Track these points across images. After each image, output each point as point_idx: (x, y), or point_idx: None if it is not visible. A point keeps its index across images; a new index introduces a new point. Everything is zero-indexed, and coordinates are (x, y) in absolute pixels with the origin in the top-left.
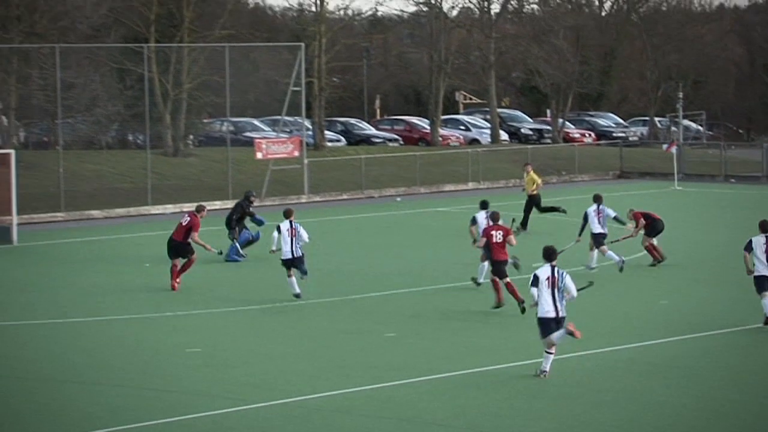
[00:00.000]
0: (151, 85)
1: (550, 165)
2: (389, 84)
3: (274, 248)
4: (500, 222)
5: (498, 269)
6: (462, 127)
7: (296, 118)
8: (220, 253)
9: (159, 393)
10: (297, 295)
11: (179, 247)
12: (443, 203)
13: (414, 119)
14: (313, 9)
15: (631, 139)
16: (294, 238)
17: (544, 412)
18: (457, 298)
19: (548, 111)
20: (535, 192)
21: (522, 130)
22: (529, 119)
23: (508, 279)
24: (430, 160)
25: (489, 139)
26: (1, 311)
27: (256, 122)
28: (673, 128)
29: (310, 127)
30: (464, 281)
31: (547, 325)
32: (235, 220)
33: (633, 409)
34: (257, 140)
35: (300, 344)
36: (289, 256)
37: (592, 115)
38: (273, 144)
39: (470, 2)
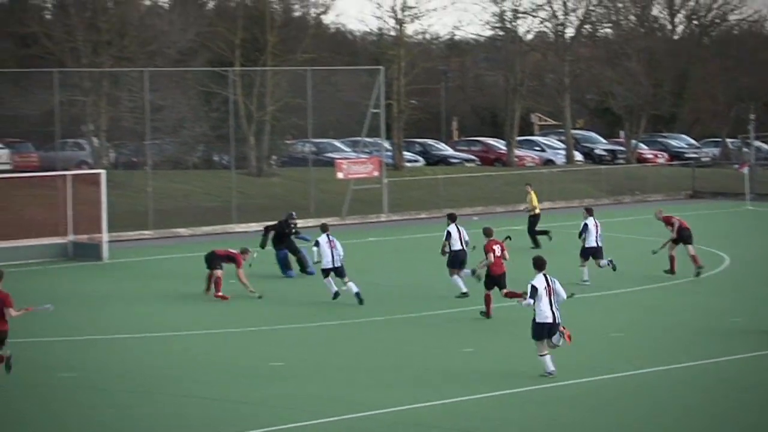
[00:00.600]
0: (235, 108)
1: (623, 185)
2: (466, 106)
3: (316, 259)
4: (493, 237)
5: (497, 282)
6: (537, 148)
7: (376, 139)
8: (260, 297)
9: (240, 405)
10: (337, 294)
11: (215, 259)
12: (519, 222)
13: (490, 140)
14: (393, 33)
15: (703, 159)
16: (334, 250)
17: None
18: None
19: (622, 132)
20: (535, 211)
21: (596, 151)
22: (603, 140)
23: (488, 292)
24: (506, 180)
25: (564, 160)
26: (91, 325)
27: (337, 143)
28: (745, 149)
29: (390, 147)
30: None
31: (542, 329)
32: (274, 238)
33: None
34: (338, 160)
35: (378, 358)
36: (330, 265)
37: (665, 136)
38: (353, 164)
39: (545, 26)
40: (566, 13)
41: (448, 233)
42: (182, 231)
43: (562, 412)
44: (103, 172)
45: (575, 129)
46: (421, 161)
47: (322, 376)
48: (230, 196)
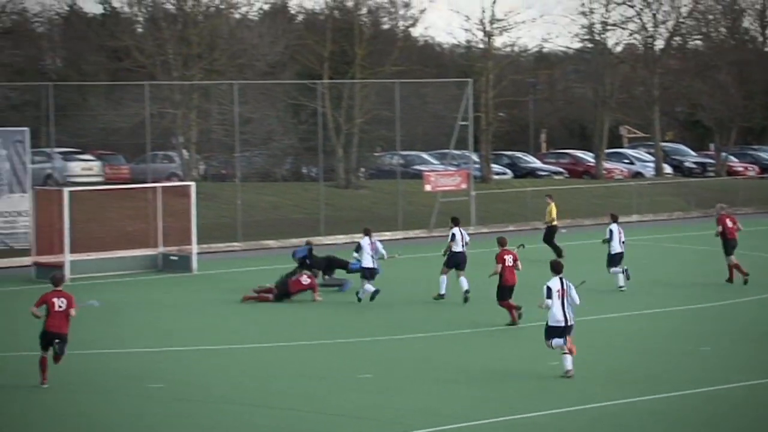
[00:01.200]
0: (324, 120)
1: (713, 198)
2: (555, 118)
3: (356, 255)
4: (507, 246)
5: (507, 293)
6: (626, 161)
7: (464, 151)
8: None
9: (329, 417)
10: (377, 291)
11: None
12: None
13: (579, 153)
14: (481, 46)
15: None
16: (374, 253)
17: None
18: (632, 324)
19: (712, 145)
20: (552, 223)
21: (685, 164)
22: (693, 153)
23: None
24: (594, 192)
25: (653, 173)
26: (178, 336)
27: (425, 155)
28: None
29: (478, 160)
30: (623, 311)
31: (555, 331)
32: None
33: None
34: (426, 173)
35: (466, 371)
36: (370, 265)
37: (755, 149)
38: (441, 177)
39: (634, 38)
40: (656, 26)
41: (453, 235)
42: (271, 243)
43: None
44: (192, 184)
45: (664, 141)
46: (509, 174)
47: (411, 387)
48: (318, 208)
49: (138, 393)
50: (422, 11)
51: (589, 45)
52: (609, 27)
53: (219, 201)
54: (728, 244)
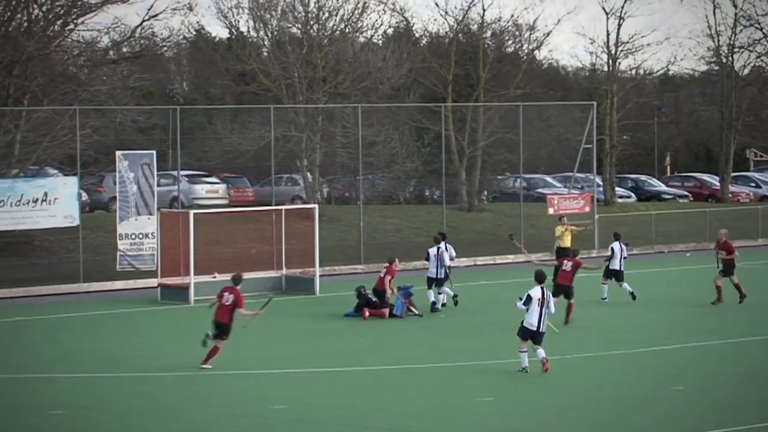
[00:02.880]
0: (447, 143)
1: None
2: (680, 141)
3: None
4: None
5: (563, 290)
6: (752, 184)
7: (587, 174)
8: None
9: None
10: (434, 305)
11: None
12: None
13: (704, 176)
14: (606, 68)
15: None
16: (439, 261)
17: None
18: (738, 352)
19: None
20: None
21: None
22: None
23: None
24: (719, 216)
25: None
26: (304, 358)
27: (548, 179)
28: None
29: (601, 183)
30: (752, 336)
31: (528, 332)
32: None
33: None
34: (549, 196)
35: (584, 395)
36: (434, 275)
37: None
38: (564, 200)
39: (762, 61)
40: None
41: (428, 254)
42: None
43: None
44: (316, 206)
45: None
46: (633, 197)
47: (531, 412)
48: (440, 229)
49: (261, 414)
50: (547, 34)
51: (716, 67)
52: (736, 49)
53: (342, 223)
54: (727, 268)
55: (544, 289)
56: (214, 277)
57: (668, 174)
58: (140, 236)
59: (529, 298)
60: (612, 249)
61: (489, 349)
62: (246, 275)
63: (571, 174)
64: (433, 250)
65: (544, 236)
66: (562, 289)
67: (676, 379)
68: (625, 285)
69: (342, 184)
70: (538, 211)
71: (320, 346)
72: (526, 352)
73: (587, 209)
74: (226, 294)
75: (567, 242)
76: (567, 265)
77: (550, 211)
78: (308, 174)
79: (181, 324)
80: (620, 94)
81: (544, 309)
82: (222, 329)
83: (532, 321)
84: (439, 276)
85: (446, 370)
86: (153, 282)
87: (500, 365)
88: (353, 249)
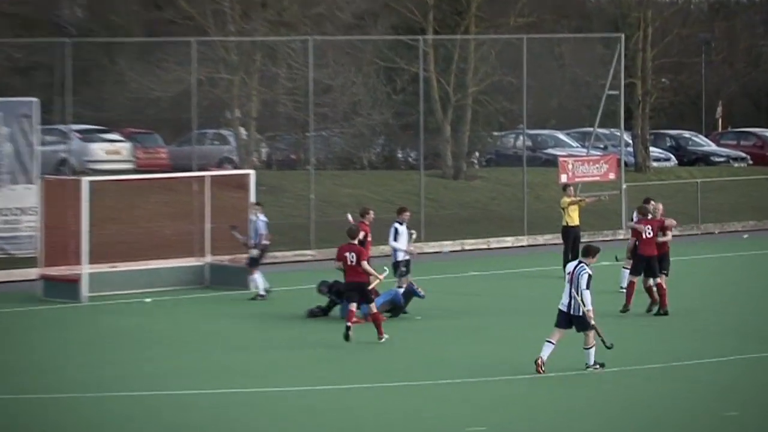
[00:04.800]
0: (427, 88)
1: None
2: (735, 86)
3: (394, 244)
4: (650, 216)
5: (648, 265)
6: None
7: (612, 130)
8: None
9: None
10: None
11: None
12: None
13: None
14: None
15: None
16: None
17: None
18: None
19: None
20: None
21: None
22: None
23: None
24: None
25: None
26: (237, 374)
27: (560, 135)
28: None
29: (630, 142)
30: None
31: (559, 316)
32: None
33: None
34: (562, 159)
35: (606, 424)
36: (406, 257)
37: None
38: (582, 164)
39: None
40: None
41: (395, 231)
42: None
43: None
44: (251, 172)
45: None
46: (673, 160)
47: None
48: (417, 204)
49: None
50: None
51: None
52: None
53: (286, 195)
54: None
55: (579, 263)
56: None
57: (720, 129)
58: (16, 212)
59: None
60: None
61: (482, 362)
62: (157, 264)
63: (590, 129)
64: (402, 227)
65: (553, 212)
66: (645, 263)
67: (730, 401)
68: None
69: (286, 143)
70: (546, 178)
71: (254, 359)
72: (552, 344)
73: (612, 176)
74: (348, 254)
75: (575, 218)
76: (648, 230)
77: (563, 178)
78: (241, 129)
79: (72, 330)
80: (657, 23)
81: (573, 287)
82: (360, 291)
83: (563, 300)
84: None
85: (426, 390)
86: (33, 273)
87: (497, 384)
88: (301, 229)
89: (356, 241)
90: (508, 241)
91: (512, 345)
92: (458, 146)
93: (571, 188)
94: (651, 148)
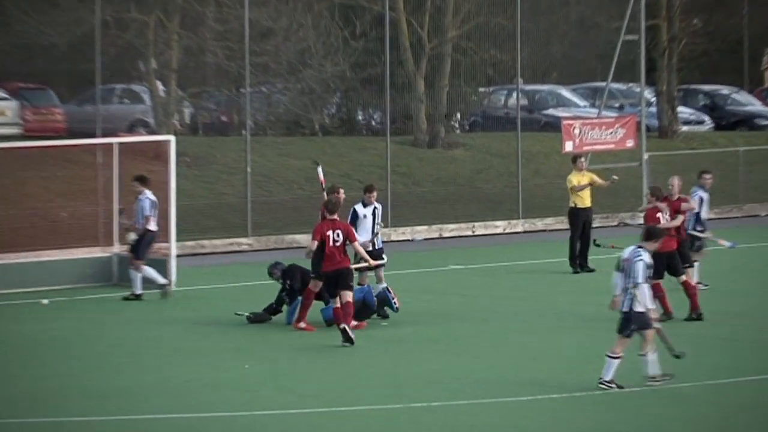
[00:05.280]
0: (394, 33)
1: None
2: None
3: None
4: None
5: (670, 263)
6: None
7: (630, 85)
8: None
9: None
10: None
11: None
12: None
13: None
14: None
15: None
16: (375, 226)
17: None
18: None
19: None
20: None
21: None
22: None
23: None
24: None
25: None
26: (134, 392)
27: (564, 92)
28: None
29: (653, 100)
30: None
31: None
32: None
33: None
34: (566, 122)
35: None
36: (370, 248)
37: None
38: (592, 128)
39: None
40: None
41: (354, 213)
42: (300, 239)
43: None
44: (171, 139)
45: None
46: (708, 123)
47: None
48: (383, 180)
49: None
50: None
51: None
52: None
53: (216, 168)
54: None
55: (636, 248)
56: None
57: (766, 84)
58: None
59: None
60: (700, 198)
61: (465, 380)
62: (51, 256)
63: (603, 85)
64: (365, 210)
65: (556, 190)
66: (666, 261)
67: None
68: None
69: (216, 101)
70: (546, 146)
71: (183, 375)
72: (618, 358)
73: (630, 144)
74: (331, 233)
75: (586, 198)
76: (664, 214)
77: (568, 146)
78: (159, 84)
79: None
80: None
81: (625, 277)
82: (343, 277)
83: (617, 293)
84: (377, 248)
85: (391, 417)
86: None
87: (484, 408)
88: (235, 211)
89: (332, 213)
90: (499, 226)
91: (504, 359)
92: (434, 106)
93: (583, 160)
94: (679, 108)
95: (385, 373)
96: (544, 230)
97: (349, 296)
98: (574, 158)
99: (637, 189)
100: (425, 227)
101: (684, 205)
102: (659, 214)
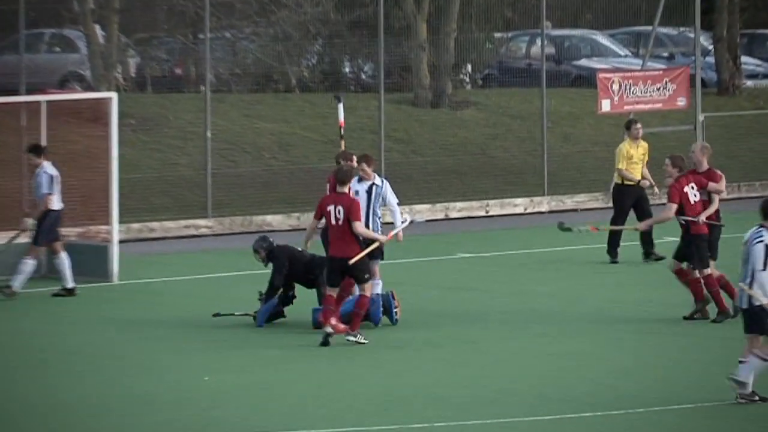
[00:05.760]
0: None
1: None
2: None
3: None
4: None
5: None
6: None
7: (683, 30)
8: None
9: None
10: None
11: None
12: None
13: None
14: None
15: None
16: (372, 212)
17: None
18: None
19: None
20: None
21: None
22: None
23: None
24: None
25: None
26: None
27: (599, 38)
28: None
29: (711, 48)
30: None
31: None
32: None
33: None
34: (603, 74)
35: None
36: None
37: None
38: (635, 82)
39: None
40: None
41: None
42: (271, 219)
43: None
44: (113, 96)
45: None
46: None
47: None
48: (376, 147)
49: None
50: None
51: None
52: None
53: (167, 131)
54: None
55: (759, 229)
56: None
57: None
58: None
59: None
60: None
61: (477, 393)
62: None
63: (648, 29)
64: (359, 186)
65: (587, 160)
66: (695, 244)
67: None
68: None
69: (169, 49)
70: (578, 105)
71: (120, 387)
72: (745, 362)
73: (682, 102)
74: (333, 207)
75: (637, 172)
76: (693, 192)
77: (605, 106)
78: (97, 29)
79: None
80: None
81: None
82: (353, 268)
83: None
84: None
85: None
86: None
87: (501, 428)
88: (192, 186)
89: (348, 190)
90: (519, 205)
91: (524, 370)
92: (439, 56)
93: (639, 126)
94: (743, 59)
95: (376, 386)
96: (575, 210)
97: (366, 290)
98: (629, 123)
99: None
100: (428, 206)
101: (712, 186)
102: (687, 190)
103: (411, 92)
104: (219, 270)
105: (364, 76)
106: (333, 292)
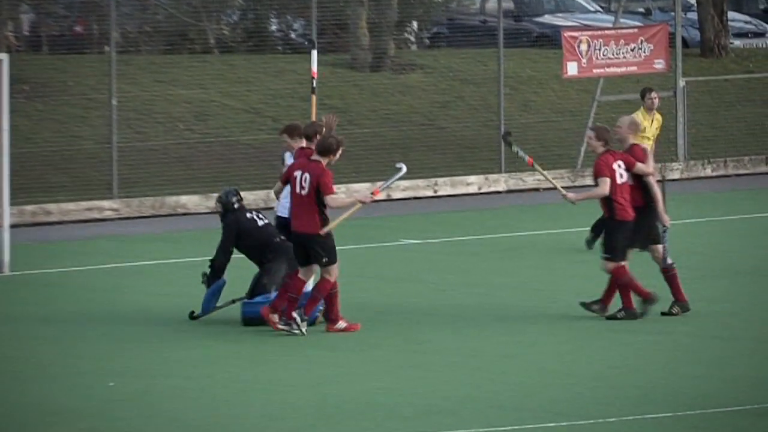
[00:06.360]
0: None
1: None
2: None
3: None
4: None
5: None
6: None
7: None
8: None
9: None
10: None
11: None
12: None
13: None
14: None
15: None
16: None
17: None
18: None
19: None
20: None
21: None
22: None
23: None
24: None
25: None
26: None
27: None
28: None
29: (693, 3)
30: None
31: None
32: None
33: None
34: (569, 33)
35: None
36: (286, 214)
37: None
38: (605, 42)
39: None
40: None
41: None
42: (185, 200)
43: None
44: (3, 57)
45: None
46: None
47: None
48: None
49: None
50: None
51: None
52: None
53: (67, 99)
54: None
55: None
56: None
57: None
58: None
59: None
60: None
61: (423, 402)
62: None
63: None
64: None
65: (551, 132)
66: (640, 229)
67: None
68: None
69: (66, 4)
70: (540, 68)
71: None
72: None
73: (660, 65)
74: (298, 174)
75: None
76: (620, 170)
77: (571, 69)
78: None
79: None
80: None
81: None
82: (307, 247)
83: None
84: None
85: None
86: None
87: None
88: (95, 161)
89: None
90: (472, 183)
91: (478, 373)
92: (381, 11)
93: (654, 96)
94: (730, 15)
95: (306, 394)
96: (536, 189)
97: (327, 275)
98: (644, 92)
99: (669, 129)
100: (366, 185)
101: (639, 167)
102: (615, 167)
103: (347, 53)
104: (125, 259)
105: (293, 35)
106: (303, 275)
